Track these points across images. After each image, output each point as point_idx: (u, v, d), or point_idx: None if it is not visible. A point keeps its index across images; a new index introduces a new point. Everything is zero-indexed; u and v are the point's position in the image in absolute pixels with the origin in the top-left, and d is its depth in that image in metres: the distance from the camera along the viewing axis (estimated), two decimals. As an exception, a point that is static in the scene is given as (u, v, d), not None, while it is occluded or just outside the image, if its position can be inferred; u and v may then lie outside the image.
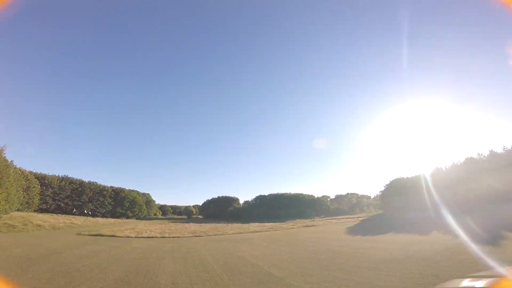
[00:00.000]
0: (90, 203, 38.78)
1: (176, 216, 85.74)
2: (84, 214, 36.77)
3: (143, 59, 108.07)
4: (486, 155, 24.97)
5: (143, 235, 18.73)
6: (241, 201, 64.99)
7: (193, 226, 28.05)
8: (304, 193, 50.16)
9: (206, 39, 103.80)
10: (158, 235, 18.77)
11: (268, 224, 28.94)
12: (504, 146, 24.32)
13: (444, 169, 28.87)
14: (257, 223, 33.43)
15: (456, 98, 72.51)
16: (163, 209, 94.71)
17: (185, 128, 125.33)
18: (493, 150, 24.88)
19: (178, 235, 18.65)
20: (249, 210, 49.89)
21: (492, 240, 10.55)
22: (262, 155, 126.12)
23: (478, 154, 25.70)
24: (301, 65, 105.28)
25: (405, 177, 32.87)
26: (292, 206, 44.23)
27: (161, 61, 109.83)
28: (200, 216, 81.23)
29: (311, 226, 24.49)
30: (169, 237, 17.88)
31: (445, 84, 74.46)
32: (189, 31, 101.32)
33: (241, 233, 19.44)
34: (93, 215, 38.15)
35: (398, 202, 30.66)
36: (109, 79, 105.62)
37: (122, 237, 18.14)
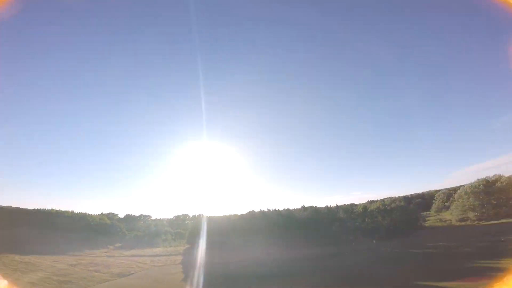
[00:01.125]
0: None
1: None
2: None
3: None
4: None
5: None
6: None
7: None
8: (94, 213, 39.75)
9: None
10: None
11: (44, 265, 19.35)
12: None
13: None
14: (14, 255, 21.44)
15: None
16: None
17: None
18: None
19: None
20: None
21: None
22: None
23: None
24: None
25: (212, 215, 36.34)
26: (75, 229, 32.94)
27: None
28: None
29: (128, 275, 18.86)
30: None
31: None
32: None
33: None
34: None
35: (201, 240, 33.76)
36: None
37: None
